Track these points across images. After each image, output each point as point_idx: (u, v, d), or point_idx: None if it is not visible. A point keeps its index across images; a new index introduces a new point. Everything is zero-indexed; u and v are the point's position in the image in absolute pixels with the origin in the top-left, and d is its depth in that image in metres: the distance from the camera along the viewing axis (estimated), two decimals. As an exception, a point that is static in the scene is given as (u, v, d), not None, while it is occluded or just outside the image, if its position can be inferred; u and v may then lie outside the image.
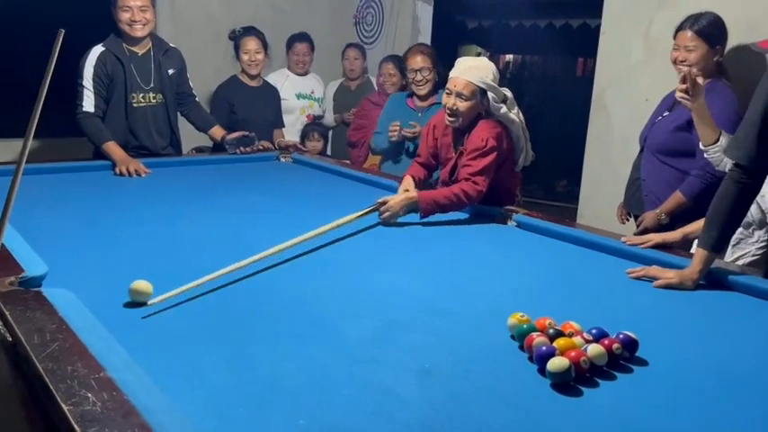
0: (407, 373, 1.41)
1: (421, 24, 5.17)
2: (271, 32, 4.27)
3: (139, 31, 3.34)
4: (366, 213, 2.53)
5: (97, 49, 3.33)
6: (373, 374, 1.40)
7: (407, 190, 2.79)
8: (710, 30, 2.76)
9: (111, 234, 2.27)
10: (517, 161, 2.85)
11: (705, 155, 2.51)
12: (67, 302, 1.49)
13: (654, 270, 2.02)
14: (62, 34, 1.56)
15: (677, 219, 2.78)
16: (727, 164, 2.46)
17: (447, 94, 2.73)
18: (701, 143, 2.52)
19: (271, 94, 4.29)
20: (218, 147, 3.86)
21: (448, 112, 2.74)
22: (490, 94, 2.69)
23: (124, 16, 3.30)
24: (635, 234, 2.89)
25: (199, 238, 2.31)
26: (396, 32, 5.19)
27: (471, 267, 2.18)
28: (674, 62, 2.84)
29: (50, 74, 1.55)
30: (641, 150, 3.07)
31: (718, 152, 2.46)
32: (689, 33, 2.77)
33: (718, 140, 2.46)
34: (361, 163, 4.28)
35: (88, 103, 3.29)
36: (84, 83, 3.29)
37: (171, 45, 3.63)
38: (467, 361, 1.48)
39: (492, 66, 2.78)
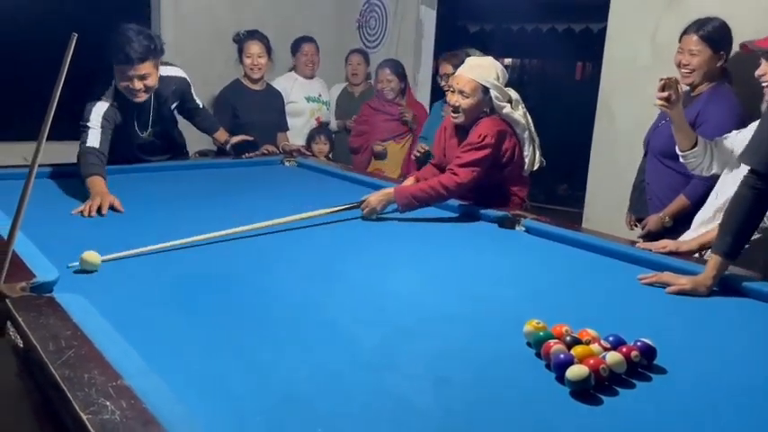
0: (422, 381, 1.40)
1: (424, 28, 5.16)
2: (274, 37, 4.26)
3: (139, 98, 3.02)
4: (349, 208, 2.65)
5: (102, 105, 2.99)
6: (387, 382, 1.39)
7: None
8: (715, 35, 2.79)
9: (119, 238, 2.25)
10: (524, 164, 2.85)
11: (681, 159, 2.58)
12: (80, 308, 1.48)
13: (666, 276, 2.01)
14: (75, 38, 1.55)
15: (680, 222, 2.80)
16: (703, 169, 2.56)
17: (451, 91, 2.77)
18: (677, 148, 2.56)
19: (274, 98, 4.28)
20: (223, 151, 3.84)
21: (451, 108, 2.78)
22: (493, 93, 2.70)
23: (122, 84, 2.96)
24: (639, 237, 2.89)
25: (205, 243, 2.30)
26: (399, 37, 5.18)
27: (482, 272, 2.16)
28: (678, 65, 2.87)
29: (62, 79, 1.54)
30: (645, 154, 3.08)
31: (695, 157, 2.53)
32: (694, 38, 2.80)
33: (694, 146, 2.52)
34: (364, 168, 4.28)
35: (93, 140, 2.93)
36: (89, 125, 2.95)
37: (173, 75, 3.28)
38: (482, 368, 1.47)
39: (497, 65, 2.78)
